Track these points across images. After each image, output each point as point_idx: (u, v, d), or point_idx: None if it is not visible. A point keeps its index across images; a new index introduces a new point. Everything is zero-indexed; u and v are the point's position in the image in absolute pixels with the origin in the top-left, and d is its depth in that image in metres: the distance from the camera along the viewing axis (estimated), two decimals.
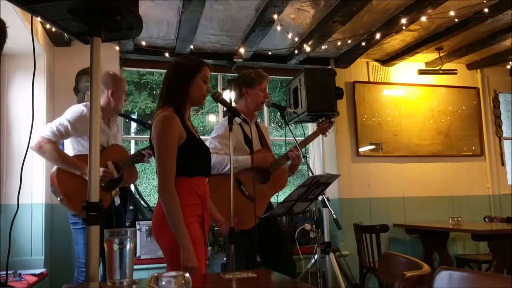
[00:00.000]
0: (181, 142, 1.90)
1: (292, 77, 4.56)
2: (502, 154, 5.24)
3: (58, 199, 2.57)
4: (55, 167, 2.57)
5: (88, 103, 2.68)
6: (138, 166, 2.91)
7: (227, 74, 4.68)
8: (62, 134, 2.59)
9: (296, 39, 4.17)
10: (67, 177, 2.55)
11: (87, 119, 2.56)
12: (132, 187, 3.97)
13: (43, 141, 2.52)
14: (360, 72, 4.93)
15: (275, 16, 3.52)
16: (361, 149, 4.75)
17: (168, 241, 1.85)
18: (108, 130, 2.76)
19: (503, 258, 3.45)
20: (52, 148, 2.53)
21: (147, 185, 7.36)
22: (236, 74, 4.49)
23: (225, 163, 2.63)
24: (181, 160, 1.89)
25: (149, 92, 7.50)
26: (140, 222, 3.71)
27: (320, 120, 3.18)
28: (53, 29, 3.47)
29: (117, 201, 2.86)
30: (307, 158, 3.56)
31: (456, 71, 4.89)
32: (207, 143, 2.62)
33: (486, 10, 3.59)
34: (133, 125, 5.99)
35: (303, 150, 2.91)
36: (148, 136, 2.15)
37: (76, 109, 2.66)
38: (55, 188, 2.54)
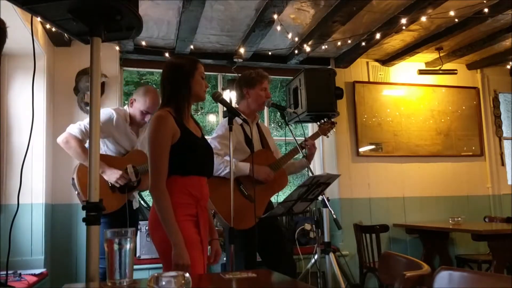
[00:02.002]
0: (174, 141, 1.90)
1: (292, 77, 4.56)
2: (502, 154, 5.24)
3: (76, 192, 2.73)
4: (79, 162, 2.75)
5: (120, 107, 2.91)
6: None
7: (227, 74, 4.67)
8: (88, 133, 2.70)
9: (296, 39, 4.17)
10: (87, 173, 2.64)
11: (114, 123, 2.75)
12: None
13: (70, 137, 2.74)
14: (360, 72, 4.93)
15: (275, 16, 3.52)
16: (361, 149, 4.75)
17: (161, 240, 1.85)
18: (135, 136, 2.91)
19: (503, 258, 3.45)
20: (77, 144, 2.73)
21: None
22: (236, 74, 4.50)
23: (224, 166, 2.63)
24: (174, 159, 1.89)
25: None
26: (140, 222, 3.71)
27: (323, 120, 3.19)
28: (53, 29, 3.47)
29: (136, 205, 2.99)
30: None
31: (456, 71, 4.89)
32: None
33: (486, 10, 3.59)
34: None
35: (303, 150, 2.91)
36: None
37: (106, 112, 2.81)
38: (75, 181, 2.71)
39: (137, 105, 2.86)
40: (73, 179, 2.75)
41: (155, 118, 1.92)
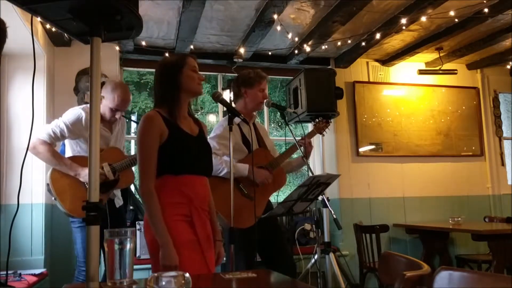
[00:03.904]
0: (163, 141, 1.89)
1: (292, 77, 4.56)
2: (502, 154, 5.24)
3: (53, 198, 2.63)
4: (52, 167, 2.64)
5: (86, 105, 2.76)
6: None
7: (227, 74, 4.68)
8: (57, 136, 2.65)
9: (296, 39, 4.17)
10: (61, 177, 2.61)
11: (83, 123, 2.64)
12: (132, 187, 3.97)
13: (37, 142, 2.59)
14: (360, 72, 4.93)
15: (275, 16, 3.52)
16: (361, 149, 4.75)
17: (151, 240, 1.85)
18: (109, 133, 2.78)
19: (503, 258, 3.45)
20: (46, 149, 2.60)
21: None
22: (236, 74, 4.50)
23: (222, 167, 2.63)
24: (164, 159, 1.88)
25: (149, 92, 7.50)
26: (140, 222, 3.71)
27: (317, 119, 3.18)
28: (53, 29, 3.47)
29: (119, 202, 2.90)
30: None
31: (456, 71, 4.89)
32: None
33: (486, 10, 3.59)
34: (133, 125, 5.99)
35: (301, 148, 2.91)
36: None
37: (74, 112, 2.70)
38: (50, 187, 2.60)
39: (106, 102, 2.67)
40: (48, 185, 2.64)
41: (143, 119, 1.91)
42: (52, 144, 2.64)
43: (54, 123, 2.66)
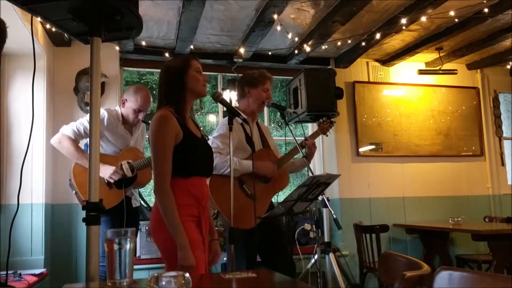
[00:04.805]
0: (178, 142, 1.89)
1: (292, 77, 4.56)
2: (502, 154, 5.24)
3: (74, 192, 2.77)
4: (74, 162, 2.80)
5: (111, 108, 2.91)
6: None
7: (227, 74, 4.67)
8: (81, 133, 2.83)
9: (296, 39, 4.17)
10: (83, 172, 2.75)
11: (105, 123, 2.77)
12: None
13: (62, 138, 2.79)
14: (360, 72, 4.93)
15: (275, 16, 3.52)
16: (361, 149, 4.75)
17: (164, 240, 1.85)
18: (129, 135, 2.95)
19: (503, 258, 3.45)
20: (69, 144, 2.78)
21: (147, 185, 7.35)
22: (236, 74, 4.50)
23: (227, 164, 2.62)
24: (176, 160, 1.88)
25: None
26: (140, 222, 3.71)
27: (321, 120, 3.19)
28: (53, 29, 3.47)
29: (136, 203, 3.01)
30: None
31: (456, 71, 4.89)
32: (209, 143, 2.62)
33: (486, 10, 3.59)
34: None
35: (303, 150, 2.91)
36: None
37: None
38: (72, 181, 2.75)
39: (129, 104, 2.87)
40: (70, 180, 2.78)
41: (158, 118, 1.89)
42: (76, 140, 2.81)
43: (79, 121, 2.85)
